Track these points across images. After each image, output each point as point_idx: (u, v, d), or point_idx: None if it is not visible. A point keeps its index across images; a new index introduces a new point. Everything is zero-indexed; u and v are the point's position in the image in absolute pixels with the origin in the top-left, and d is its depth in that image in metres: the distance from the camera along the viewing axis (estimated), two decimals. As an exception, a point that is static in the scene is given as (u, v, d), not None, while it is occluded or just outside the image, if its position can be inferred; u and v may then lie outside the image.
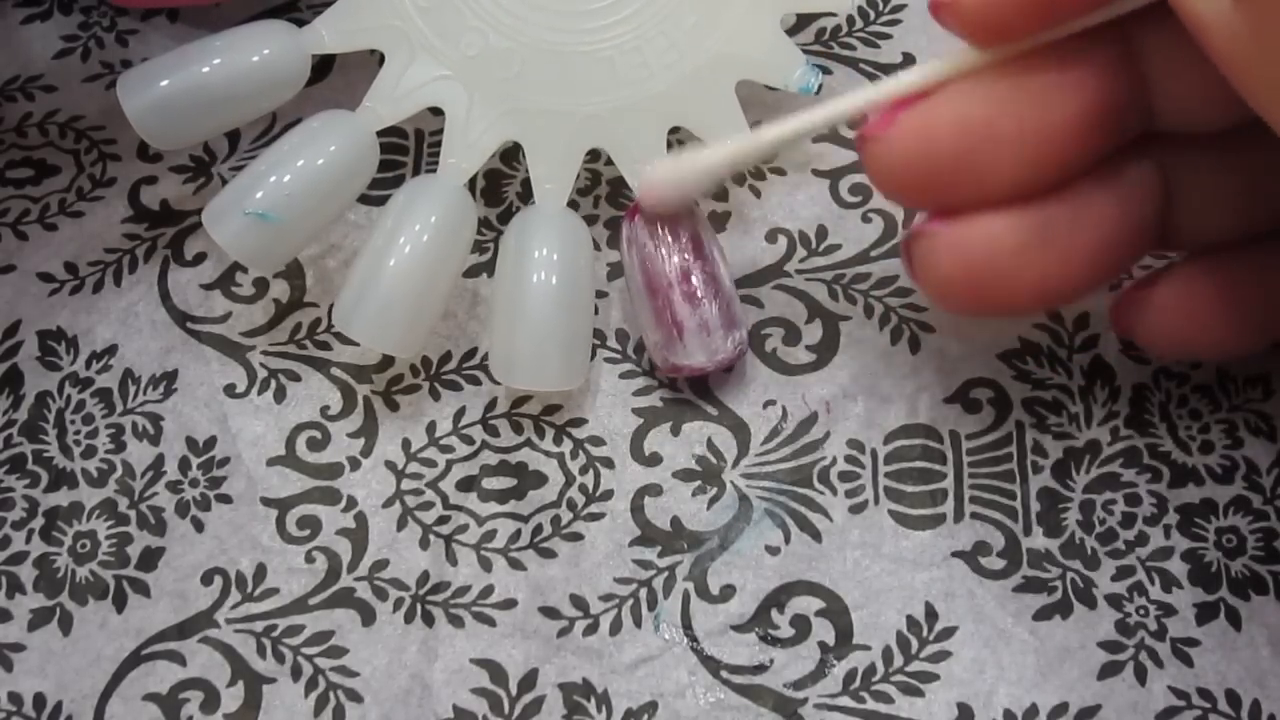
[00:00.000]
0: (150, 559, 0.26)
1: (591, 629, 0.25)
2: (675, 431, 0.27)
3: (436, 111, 0.27)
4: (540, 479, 0.26)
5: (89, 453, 0.27)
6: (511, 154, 0.29)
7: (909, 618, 0.25)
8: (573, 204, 0.27)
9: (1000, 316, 0.27)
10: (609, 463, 0.26)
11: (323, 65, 0.30)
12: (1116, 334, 0.26)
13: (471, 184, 0.27)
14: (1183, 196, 0.23)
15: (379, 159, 0.27)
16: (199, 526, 0.26)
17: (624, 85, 0.27)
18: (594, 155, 0.28)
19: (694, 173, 0.25)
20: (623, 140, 0.27)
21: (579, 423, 0.27)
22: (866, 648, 0.25)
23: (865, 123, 0.23)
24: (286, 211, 0.25)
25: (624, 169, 0.27)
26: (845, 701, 0.24)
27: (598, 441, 0.27)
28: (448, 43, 0.26)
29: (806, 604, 0.25)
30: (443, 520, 0.26)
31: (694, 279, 0.25)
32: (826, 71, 0.30)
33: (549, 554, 0.26)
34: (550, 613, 0.25)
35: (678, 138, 0.28)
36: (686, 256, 0.26)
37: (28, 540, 0.26)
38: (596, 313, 0.27)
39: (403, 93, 0.26)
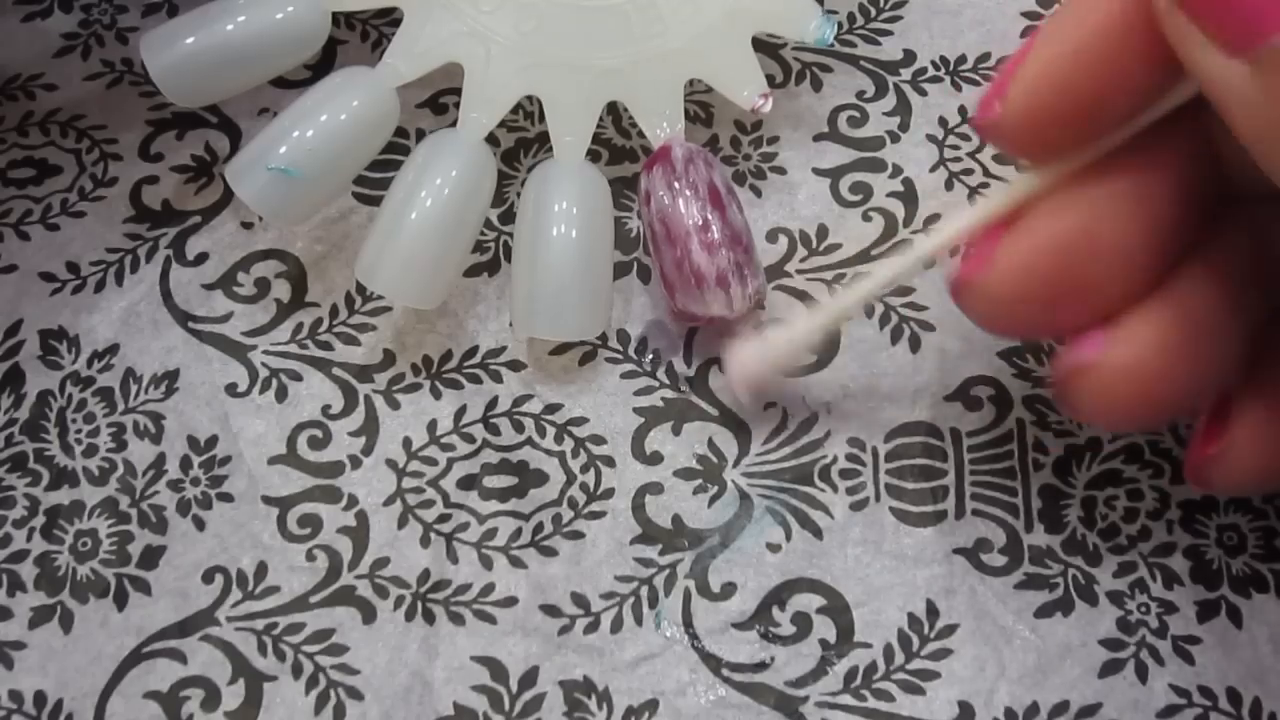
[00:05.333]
0: (151, 557, 0.26)
1: (592, 627, 0.25)
2: (676, 431, 0.27)
3: (442, 109, 0.27)
4: (541, 477, 0.26)
5: (90, 451, 0.27)
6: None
7: (910, 615, 0.25)
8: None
9: (1172, 419, 0.26)
10: (610, 461, 0.26)
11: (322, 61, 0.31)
12: (1196, 489, 0.24)
13: (495, 141, 0.27)
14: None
15: (399, 115, 0.27)
16: (200, 525, 0.26)
17: (640, 39, 0.27)
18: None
19: (779, 353, 0.25)
20: (640, 93, 0.27)
21: (580, 421, 0.27)
22: (868, 645, 0.25)
23: (957, 266, 0.22)
24: (309, 167, 0.25)
25: (642, 122, 0.27)
26: (846, 699, 0.24)
27: (599, 440, 0.27)
28: None
29: (808, 601, 0.25)
30: (444, 518, 0.26)
31: (713, 229, 0.25)
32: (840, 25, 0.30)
33: (550, 552, 0.26)
34: (551, 610, 0.25)
35: (691, 91, 0.28)
36: (705, 207, 0.26)
37: (29, 538, 0.26)
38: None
39: (422, 49, 0.27)
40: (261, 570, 0.26)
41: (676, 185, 0.26)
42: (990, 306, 0.22)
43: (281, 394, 0.27)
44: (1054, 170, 0.21)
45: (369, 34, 0.31)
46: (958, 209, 0.22)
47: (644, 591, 0.25)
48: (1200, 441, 0.23)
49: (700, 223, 0.26)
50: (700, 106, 0.30)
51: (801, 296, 0.28)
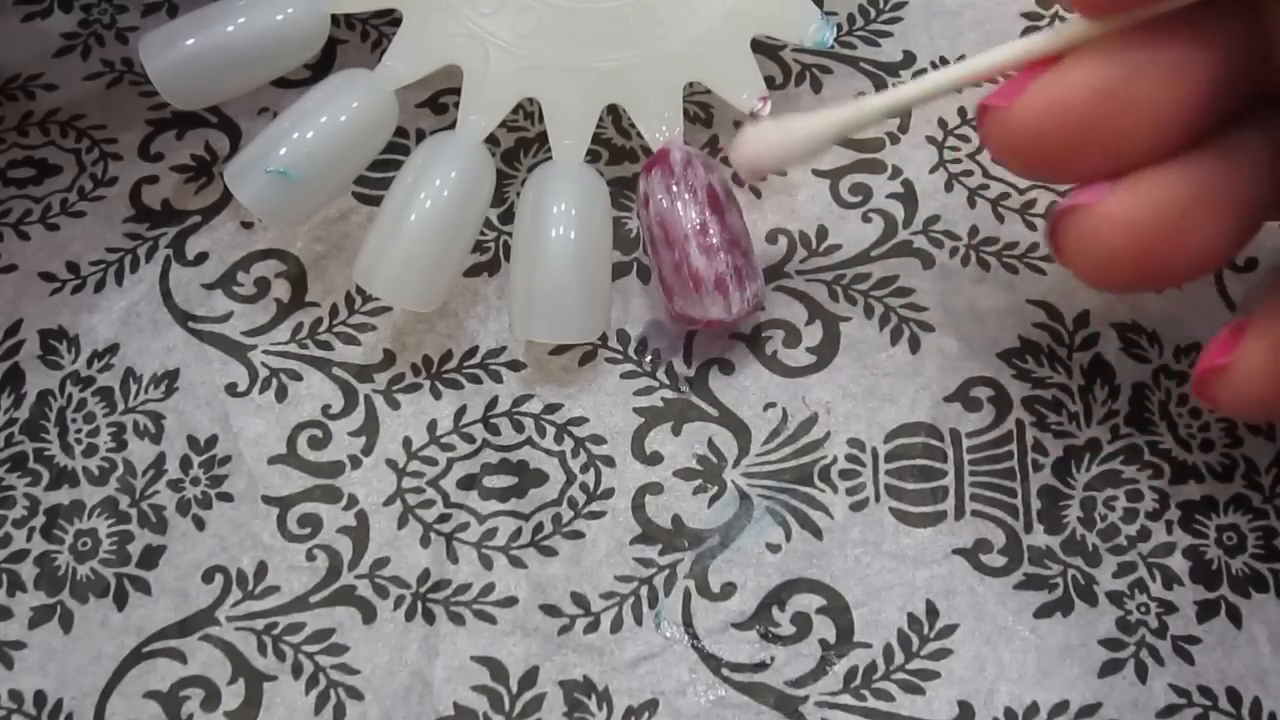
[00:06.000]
0: (151, 557, 0.26)
1: (592, 627, 0.25)
2: (676, 431, 0.27)
3: (441, 109, 0.27)
4: (541, 477, 0.26)
5: (90, 451, 0.27)
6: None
7: (910, 615, 0.25)
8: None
9: (1151, 289, 0.26)
10: (610, 461, 0.26)
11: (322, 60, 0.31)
12: (1202, 404, 0.24)
13: (495, 141, 0.27)
14: None
15: (398, 117, 0.27)
16: (200, 525, 0.26)
17: (639, 41, 0.27)
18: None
19: (794, 139, 0.25)
20: (638, 96, 0.27)
21: (580, 421, 0.27)
22: (867, 645, 0.25)
23: (988, 96, 0.22)
24: (307, 169, 0.26)
25: (640, 124, 0.27)
26: (846, 699, 0.24)
27: (599, 440, 0.27)
28: (465, 0, 0.27)
29: (807, 601, 0.25)
30: (444, 518, 0.26)
31: (711, 232, 0.25)
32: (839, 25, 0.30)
33: (550, 552, 0.26)
34: (551, 610, 0.25)
35: (691, 92, 0.27)
36: (704, 210, 0.26)
37: (29, 538, 0.26)
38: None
39: (421, 51, 0.27)
40: (261, 570, 0.26)
41: (675, 188, 0.26)
42: (1009, 136, 0.22)
43: (281, 394, 0.27)
44: (1105, 23, 0.21)
45: (369, 34, 0.31)
46: (1003, 43, 0.22)
47: (644, 591, 0.25)
48: (1211, 351, 0.23)
49: (699, 226, 0.26)
50: (700, 107, 0.30)
51: (801, 298, 0.28)
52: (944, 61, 0.30)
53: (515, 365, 0.27)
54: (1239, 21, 0.21)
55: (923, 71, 0.30)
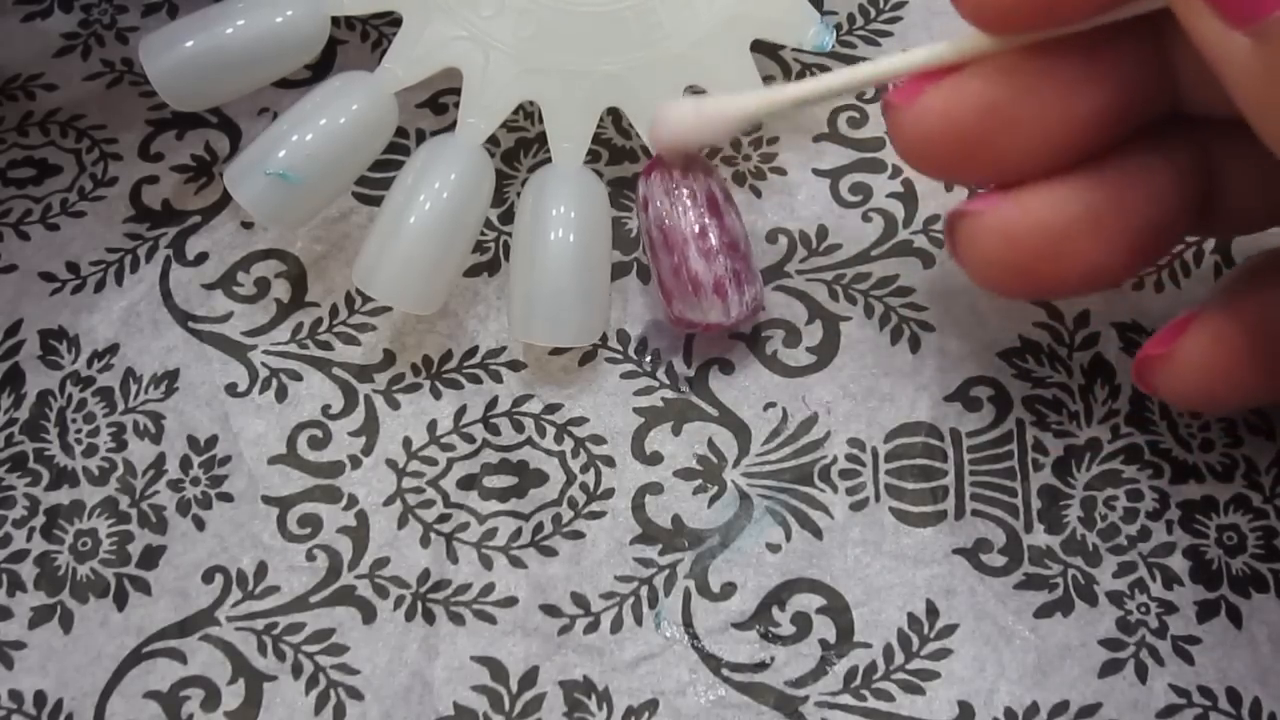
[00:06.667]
0: (151, 557, 0.26)
1: (592, 627, 0.25)
2: (676, 431, 0.27)
3: (441, 109, 0.27)
4: (541, 477, 0.26)
5: (90, 451, 0.27)
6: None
7: (910, 615, 0.25)
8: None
9: (1043, 298, 0.27)
10: (610, 461, 0.26)
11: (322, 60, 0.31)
12: (1141, 389, 0.25)
13: (496, 141, 0.27)
14: (1224, 177, 0.23)
15: (397, 119, 0.27)
16: (200, 525, 0.26)
17: (640, 45, 0.27)
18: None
19: (712, 118, 0.25)
20: (639, 99, 0.27)
21: (580, 421, 0.27)
22: (867, 645, 0.25)
23: (889, 90, 0.23)
24: (307, 171, 0.26)
25: (640, 128, 0.27)
26: (846, 699, 0.24)
27: (599, 440, 0.27)
28: (465, 4, 0.27)
29: (807, 601, 0.25)
30: (444, 518, 0.26)
31: (710, 236, 0.25)
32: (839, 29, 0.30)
33: (550, 552, 0.26)
34: (551, 610, 0.25)
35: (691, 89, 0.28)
36: (703, 214, 0.26)
37: (29, 538, 0.26)
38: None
39: (421, 54, 0.27)
40: (261, 570, 0.26)
41: (674, 192, 0.26)
42: (904, 137, 0.23)
43: (281, 394, 0.27)
44: (1004, 40, 0.22)
45: (369, 34, 0.31)
46: (910, 49, 0.23)
47: (644, 591, 0.25)
48: (1154, 341, 0.23)
49: (697, 230, 0.26)
50: (700, 107, 0.30)
51: (801, 297, 0.28)
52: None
53: (515, 365, 0.27)
54: (1139, 45, 0.22)
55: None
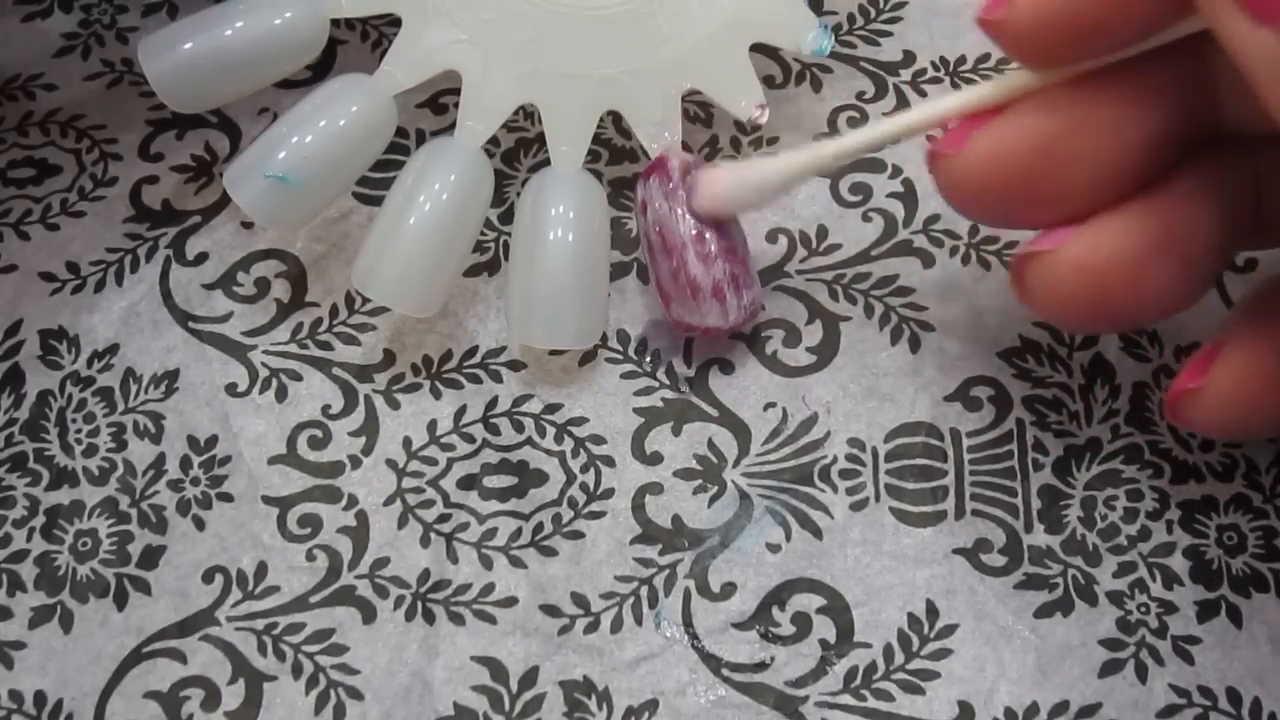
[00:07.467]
0: (151, 557, 0.26)
1: (592, 627, 0.25)
2: (676, 431, 0.27)
3: (441, 109, 0.27)
4: (541, 477, 0.26)
5: (90, 451, 0.27)
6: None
7: (910, 615, 0.25)
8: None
9: (1120, 329, 0.27)
10: (610, 461, 0.26)
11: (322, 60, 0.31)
12: (1175, 424, 0.25)
13: (496, 142, 0.27)
14: (1273, 189, 0.23)
15: (396, 121, 0.27)
16: (200, 525, 0.26)
17: (638, 48, 0.27)
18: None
19: (755, 185, 0.25)
20: (637, 103, 0.27)
21: (580, 421, 0.27)
22: (867, 645, 0.25)
23: (935, 139, 0.22)
24: (306, 174, 0.26)
25: (639, 131, 0.27)
26: (846, 699, 0.24)
27: (599, 440, 0.27)
28: (464, 6, 0.27)
29: (807, 601, 0.25)
30: (444, 518, 0.26)
31: (708, 239, 0.25)
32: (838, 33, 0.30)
33: (550, 552, 0.26)
34: (551, 610, 0.25)
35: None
36: (702, 218, 0.26)
37: (29, 538, 0.26)
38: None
39: (420, 56, 0.27)
40: (261, 570, 0.26)
41: (672, 196, 0.26)
42: (955, 185, 0.22)
43: (281, 394, 0.27)
44: (1046, 74, 0.22)
45: (369, 34, 0.31)
46: (949, 92, 0.23)
47: (644, 591, 0.25)
48: (1184, 375, 0.23)
49: (696, 233, 0.25)
50: (700, 107, 0.30)
51: (801, 297, 0.28)
52: (944, 61, 0.30)
53: (515, 365, 0.27)
54: (1181, 69, 0.22)
55: (923, 72, 0.30)
